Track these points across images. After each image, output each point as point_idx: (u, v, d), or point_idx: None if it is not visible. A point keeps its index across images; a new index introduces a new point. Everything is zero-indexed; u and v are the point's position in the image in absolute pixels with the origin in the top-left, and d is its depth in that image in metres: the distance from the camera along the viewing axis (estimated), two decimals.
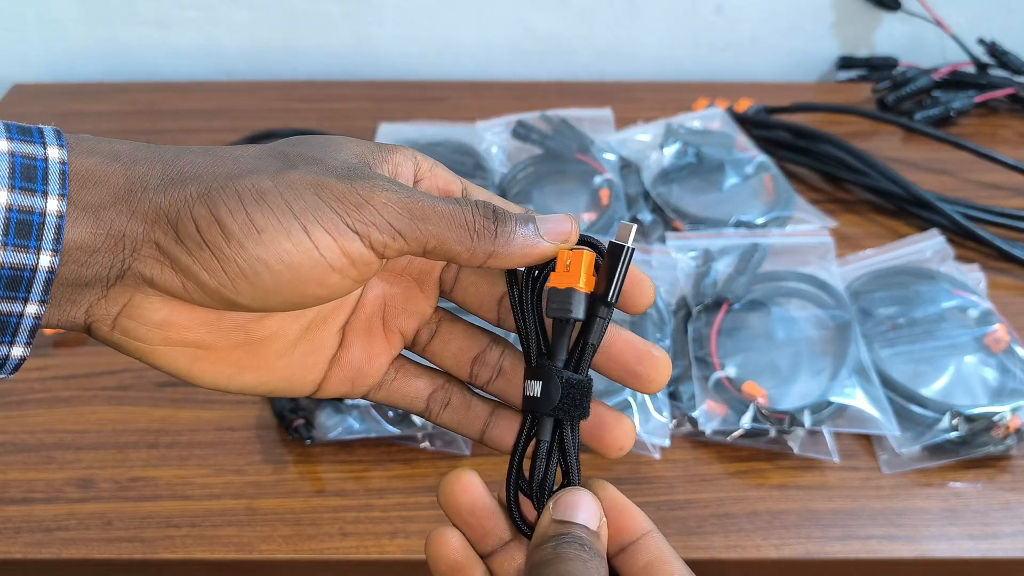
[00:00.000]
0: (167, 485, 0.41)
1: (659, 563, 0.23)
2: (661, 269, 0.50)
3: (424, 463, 0.42)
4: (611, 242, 0.22)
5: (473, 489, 0.23)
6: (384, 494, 0.41)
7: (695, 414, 0.43)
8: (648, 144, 0.60)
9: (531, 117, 0.60)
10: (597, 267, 0.23)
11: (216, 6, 0.72)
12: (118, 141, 0.21)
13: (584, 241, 0.23)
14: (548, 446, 0.23)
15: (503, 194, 0.57)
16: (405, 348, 0.26)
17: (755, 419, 0.42)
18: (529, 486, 0.23)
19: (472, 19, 0.73)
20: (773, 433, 0.42)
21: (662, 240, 0.53)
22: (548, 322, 0.23)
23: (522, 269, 0.23)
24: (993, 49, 0.70)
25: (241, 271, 0.20)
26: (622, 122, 0.62)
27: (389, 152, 0.23)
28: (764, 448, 0.43)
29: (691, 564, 0.39)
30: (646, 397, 0.43)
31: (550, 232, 0.22)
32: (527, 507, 0.23)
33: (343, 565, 0.39)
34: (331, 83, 0.74)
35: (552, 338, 0.23)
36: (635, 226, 0.22)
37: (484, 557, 0.24)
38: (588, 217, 0.55)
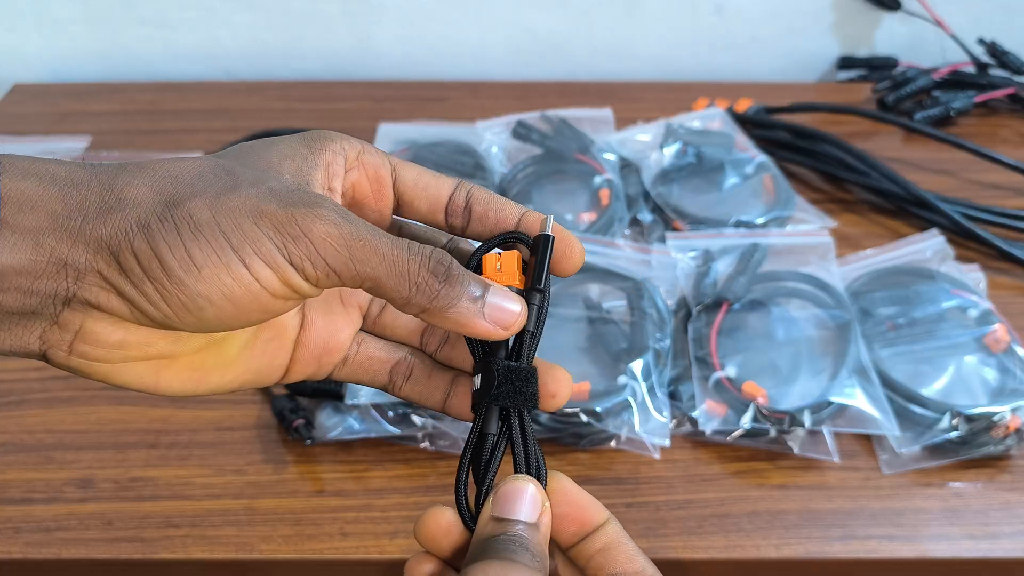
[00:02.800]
0: (167, 485, 0.41)
1: (615, 546, 0.23)
2: (661, 269, 0.50)
3: (424, 463, 0.42)
4: (536, 236, 0.23)
5: (452, 529, 0.23)
6: (384, 494, 0.41)
7: (695, 414, 0.43)
8: (648, 144, 0.60)
9: (531, 117, 0.60)
10: (526, 263, 0.23)
11: (216, 6, 0.72)
12: (54, 162, 0.21)
13: (512, 237, 0.23)
14: (495, 438, 0.23)
15: (503, 194, 0.56)
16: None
17: (755, 419, 0.42)
18: (477, 478, 0.23)
19: (472, 19, 0.73)
20: (773, 433, 0.42)
21: (662, 240, 0.53)
22: None
23: None
24: (993, 49, 0.70)
25: (184, 305, 0.20)
26: (622, 122, 0.62)
27: (320, 153, 0.23)
28: (764, 448, 0.43)
29: (691, 564, 0.39)
30: (646, 396, 0.43)
31: (495, 318, 0.21)
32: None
33: (343, 565, 0.39)
34: (331, 83, 0.74)
35: None
36: (551, 216, 0.23)
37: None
38: (588, 217, 0.55)
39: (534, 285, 0.22)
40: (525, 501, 0.22)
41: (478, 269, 0.23)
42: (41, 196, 0.20)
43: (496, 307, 0.21)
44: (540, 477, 0.23)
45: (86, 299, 0.20)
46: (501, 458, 0.23)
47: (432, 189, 0.24)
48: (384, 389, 0.25)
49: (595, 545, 0.23)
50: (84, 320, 0.20)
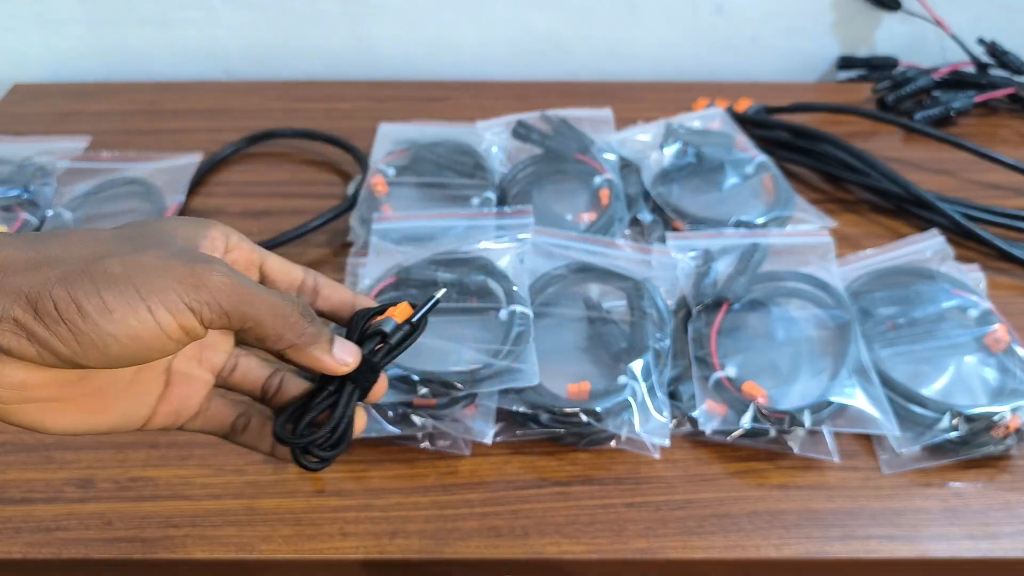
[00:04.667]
0: (167, 485, 0.41)
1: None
2: (661, 269, 0.50)
3: (424, 463, 0.42)
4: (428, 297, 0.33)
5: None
6: (384, 494, 0.41)
7: (695, 414, 0.43)
8: (648, 144, 0.60)
9: (531, 117, 0.60)
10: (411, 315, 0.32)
11: (216, 6, 0.72)
12: None
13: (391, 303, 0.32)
14: (329, 392, 0.30)
15: (503, 194, 0.57)
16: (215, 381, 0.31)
17: (755, 419, 0.42)
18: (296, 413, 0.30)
19: (472, 19, 0.73)
20: (773, 433, 0.42)
21: (662, 240, 0.53)
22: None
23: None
24: (993, 49, 0.70)
25: (93, 343, 0.24)
26: (622, 122, 0.62)
27: (206, 230, 0.28)
28: (764, 448, 0.43)
29: (691, 564, 0.40)
30: (646, 396, 0.43)
31: (339, 358, 0.29)
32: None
33: (343, 565, 0.39)
34: (331, 83, 0.74)
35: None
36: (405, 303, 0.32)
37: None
38: (588, 217, 0.55)
39: (409, 320, 0.31)
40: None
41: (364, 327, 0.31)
42: None
43: (341, 350, 0.29)
44: (340, 444, 0.29)
45: None
46: (323, 408, 0.29)
47: (290, 275, 0.31)
48: (226, 438, 0.31)
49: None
50: None
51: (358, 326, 0.30)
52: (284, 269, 0.30)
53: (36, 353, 0.24)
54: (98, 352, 0.24)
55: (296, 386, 0.31)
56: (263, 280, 0.30)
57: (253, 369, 0.31)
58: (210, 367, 0.31)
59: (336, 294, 0.31)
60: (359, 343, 0.30)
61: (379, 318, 0.31)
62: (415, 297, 0.46)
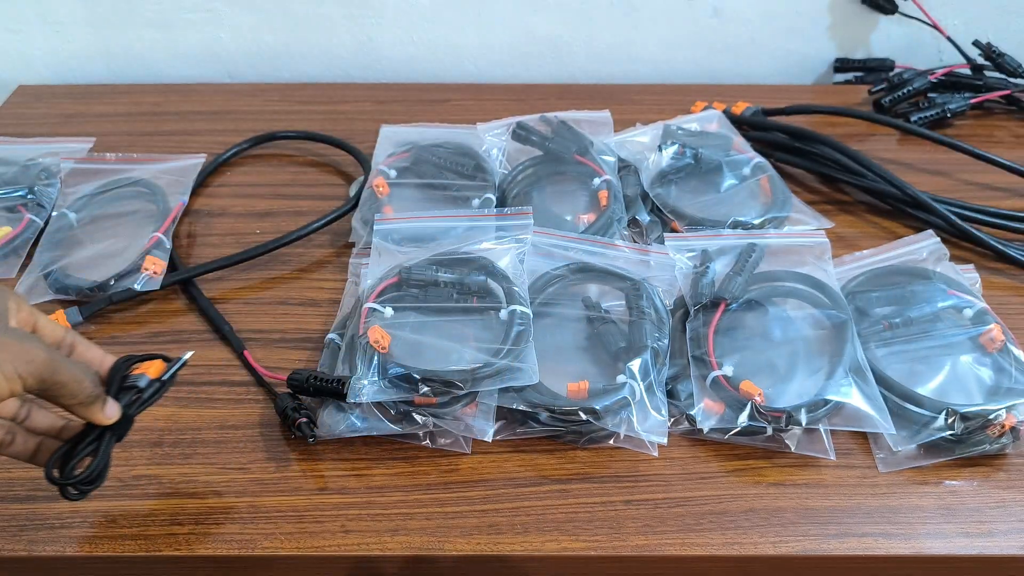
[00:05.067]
0: (171, 483, 0.41)
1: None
2: (660, 269, 0.51)
3: (425, 461, 0.43)
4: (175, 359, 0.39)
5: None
6: (385, 491, 0.41)
7: (693, 412, 0.43)
8: (646, 146, 0.60)
9: (531, 119, 0.61)
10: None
11: (219, 9, 0.73)
12: None
13: (151, 357, 0.38)
14: (94, 438, 0.36)
15: (503, 195, 0.57)
16: None
17: (752, 417, 0.42)
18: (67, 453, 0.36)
19: (472, 22, 0.74)
20: (770, 431, 0.42)
21: (661, 241, 0.54)
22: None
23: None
24: (989, 51, 0.70)
25: None
26: (621, 124, 0.63)
27: (5, 301, 0.34)
28: (761, 446, 0.43)
29: (689, 561, 0.40)
30: (645, 395, 0.43)
31: (108, 415, 0.36)
32: None
33: (345, 561, 0.39)
34: (333, 85, 0.74)
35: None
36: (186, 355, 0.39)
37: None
38: (587, 218, 0.55)
39: (160, 377, 0.38)
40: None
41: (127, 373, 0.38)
42: None
43: (110, 408, 0.36)
44: (98, 480, 0.36)
45: None
46: (86, 453, 0.36)
47: (54, 333, 0.37)
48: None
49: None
50: None
51: (115, 378, 0.37)
52: (50, 328, 0.37)
53: None
54: None
55: (42, 417, 0.38)
56: (34, 333, 0.36)
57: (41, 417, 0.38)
58: None
59: (88, 352, 0.37)
60: (116, 394, 0.37)
61: (135, 371, 0.37)
62: (415, 297, 0.46)
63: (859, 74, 0.75)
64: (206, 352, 0.48)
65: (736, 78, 0.77)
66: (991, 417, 0.42)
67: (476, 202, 0.55)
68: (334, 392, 0.42)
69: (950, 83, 0.70)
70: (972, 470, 0.42)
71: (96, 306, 0.50)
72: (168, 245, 0.53)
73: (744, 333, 0.47)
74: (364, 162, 0.61)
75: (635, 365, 0.44)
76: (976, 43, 0.71)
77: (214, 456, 0.43)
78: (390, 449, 0.43)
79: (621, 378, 0.43)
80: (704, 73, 0.77)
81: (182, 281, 0.52)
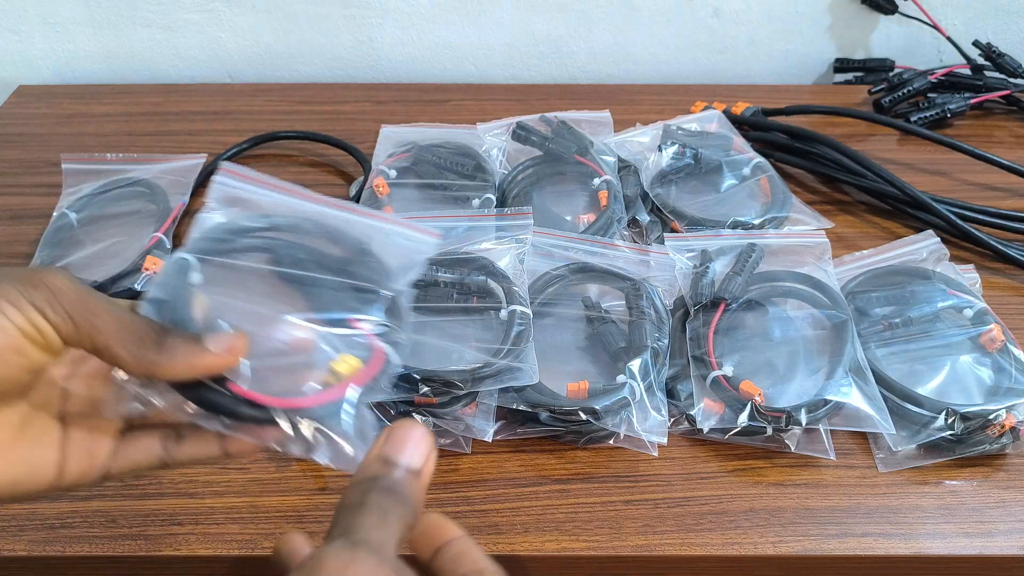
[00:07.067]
0: (171, 482, 0.41)
1: (466, 551, 0.25)
2: (660, 269, 0.51)
3: None
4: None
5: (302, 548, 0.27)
6: None
7: (693, 412, 0.43)
8: (646, 146, 0.60)
9: (531, 119, 0.61)
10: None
11: (219, 9, 0.73)
12: None
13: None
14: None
15: (503, 195, 0.57)
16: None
17: (752, 417, 0.42)
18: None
19: (472, 22, 0.74)
20: (770, 431, 0.43)
21: (660, 241, 0.54)
22: None
23: None
24: (989, 51, 0.70)
25: None
26: (621, 124, 0.63)
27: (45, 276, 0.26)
28: (761, 446, 0.43)
29: (688, 560, 0.40)
30: (644, 395, 0.43)
31: (215, 347, 0.25)
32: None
33: None
34: (333, 85, 0.74)
35: None
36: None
37: None
38: (587, 218, 0.55)
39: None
40: (414, 446, 0.24)
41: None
42: None
43: (217, 339, 0.25)
44: None
45: None
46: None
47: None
48: (163, 467, 0.28)
49: (447, 554, 0.25)
50: None
51: None
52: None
53: None
54: None
55: None
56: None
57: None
58: (113, 430, 0.28)
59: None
60: None
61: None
62: (415, 297, 0.46)
63: (859, 74, 0.75)
64: None
65: (736, 78, 0.77)
66: (991, 417, 0.42)
67: (476, 202, 0.55)
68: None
69: (950, 83, 0.70)
70: (972, 470, 0.42)
71: None
72: (168, 245, 0.53)
73: (744, 333, 0.47)
74: (364, 162, 0.61)
75: (635, 365, 0.44)
76: (976, 43, 0.71)
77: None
78: None
79: (621, 378, 0.43)
80: (704, 73, 0.77)
81: None
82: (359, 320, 0.28)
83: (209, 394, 0.25)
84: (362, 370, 0.27)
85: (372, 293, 0.29)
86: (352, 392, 0.27)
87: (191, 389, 0.25)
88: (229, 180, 0.29)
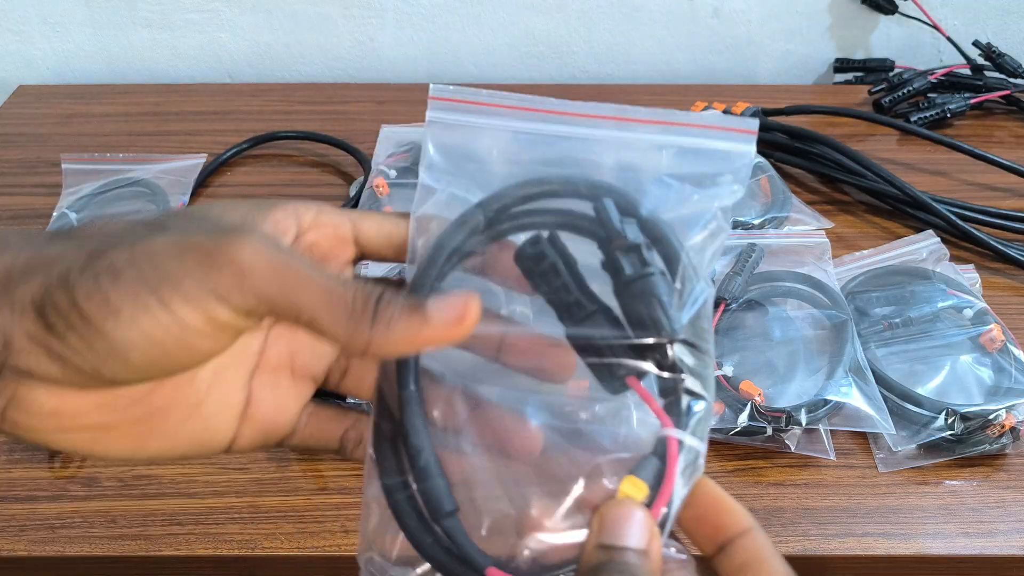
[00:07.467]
0: (171, 482, 0.41)
1: (756, 563, 0.21)
2: None
3: None
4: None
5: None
6: None
7: None
8: None
9: None
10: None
11: (219, 9, 0.73)
12: None
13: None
14: None
15: None
16: (319, 389, 0.25)
17: (752, 417, 0.42)
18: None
19: (472, 22, 0.74)
20: (770, 431, 0.42)
21: None
22: None
23: None
24: (988, 51, 0.70)
25: (110, 352, 0.19)
26: None
27: (269, 211, 0.22)
28: (761, 446, 0.43)
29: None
30: None
31: (440, 316, 0.20)
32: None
33: (345, 562, 0.39)
34: (333, 85, 0.74)
35: None
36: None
37: None
38: None
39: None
40: (635, 527, 0.20)
41: None
42: None
43: (440, 311, 0.19)
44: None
45: (16, 365, 0.19)
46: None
47: (395, 236, 0.23)
48: (336, 455, 0.25)
49: (735, 561, 0.21)
50: (16, 388, 0.20)
51: None
52: (385, 231, 0.23)
53: (60, 372, 0.19)
54: (120, 362, 0.19)
55: None
56: (364, 255, 0.23)
57: (369, 373, 0.24)
58: (308, 374, 0.25)
59: None
60: None
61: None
62: None
63: (859, 74, 0.75)
64: None
65: (736, 78, 0.77)
66: (991, 417, 0.42)
67: None
68: (335, 393, 0.42)
69: (950, 83, 0.70)
70: (972, 470, 0.42)
71: None
72: None
73: (744, 333, 0.47)
74: (364, 162, 0.61)
75: None
76: (976, 43, 0.71)
77: (214, 456, 0.43)
78: None
79: None
80: (704, 73, 0.77)
81: None
82: (636, 373, 0.20)
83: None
84: (656, 496, 0.20)
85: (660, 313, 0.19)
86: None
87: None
88: (446, 115, 0.22)
